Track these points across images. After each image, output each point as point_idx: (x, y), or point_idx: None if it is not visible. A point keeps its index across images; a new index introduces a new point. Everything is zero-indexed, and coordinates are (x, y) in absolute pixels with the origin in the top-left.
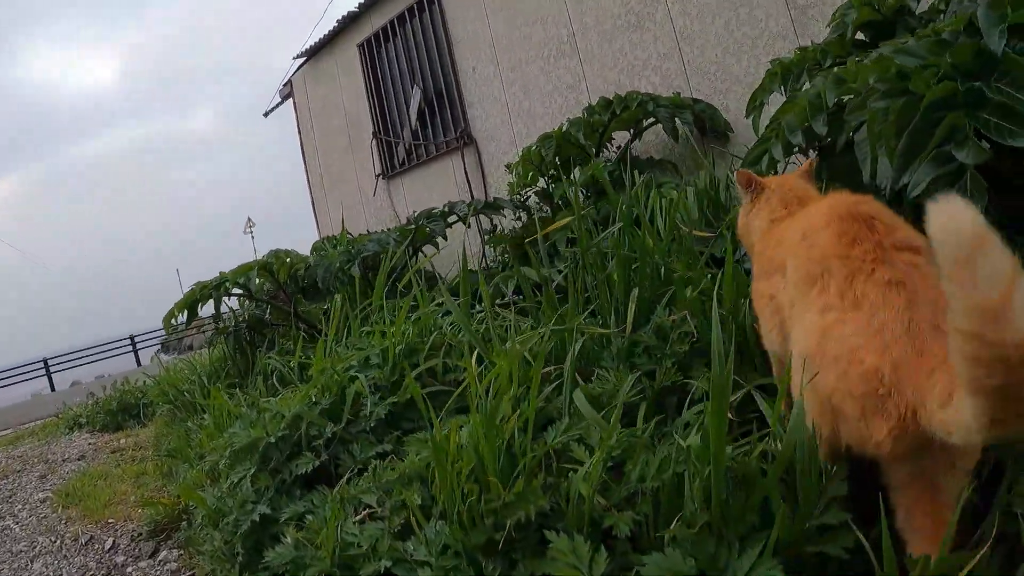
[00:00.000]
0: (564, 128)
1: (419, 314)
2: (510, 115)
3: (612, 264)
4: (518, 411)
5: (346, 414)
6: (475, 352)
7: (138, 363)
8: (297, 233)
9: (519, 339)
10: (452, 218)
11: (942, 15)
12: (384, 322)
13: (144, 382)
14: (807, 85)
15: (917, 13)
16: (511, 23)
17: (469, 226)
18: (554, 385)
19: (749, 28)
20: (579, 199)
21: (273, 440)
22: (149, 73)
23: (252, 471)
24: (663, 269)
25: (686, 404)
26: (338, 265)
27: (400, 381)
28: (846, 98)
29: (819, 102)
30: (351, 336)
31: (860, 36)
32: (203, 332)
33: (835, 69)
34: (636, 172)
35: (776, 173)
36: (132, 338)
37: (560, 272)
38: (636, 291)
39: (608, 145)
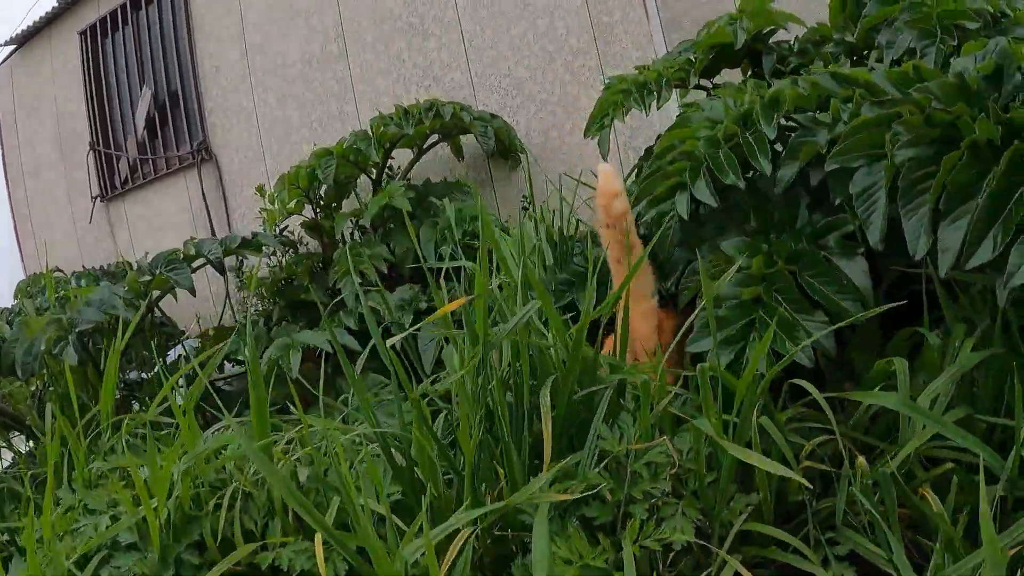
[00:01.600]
0: (349, 143)
1: (190, 458)
2: (259, 127)
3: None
4: None
5: None
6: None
7: None
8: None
9: (406, 549)
10: (199, 262)
11: (817, 48)
12: (125, 452)
13: None
14: (669, 103)
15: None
16: (268, 16)
17: (224, 273)
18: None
19: (548, 41)
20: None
21: None
22: None
23: None
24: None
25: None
26: (44, 347)
27: (179, 574)
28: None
29: (742, 141)
30: (75, 481)
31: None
32: None
33: (762, 90)
34: (439, 199)
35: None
36: None
37: (352, 332)
38: (546, 394)
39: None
